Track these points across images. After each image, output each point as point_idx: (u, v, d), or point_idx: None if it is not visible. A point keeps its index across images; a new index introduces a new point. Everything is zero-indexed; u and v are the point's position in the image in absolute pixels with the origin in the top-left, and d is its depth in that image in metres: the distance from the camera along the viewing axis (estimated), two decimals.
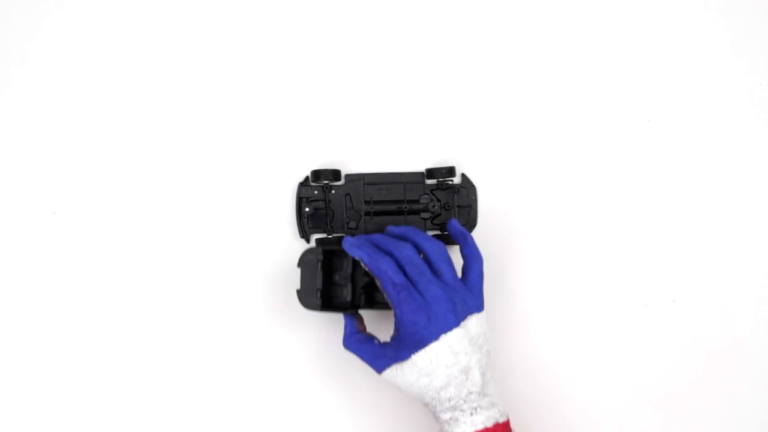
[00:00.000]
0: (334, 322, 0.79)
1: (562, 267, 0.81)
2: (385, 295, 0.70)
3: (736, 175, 0.82)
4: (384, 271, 0.69)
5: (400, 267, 0.70)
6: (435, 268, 0.71)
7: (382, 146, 0.81)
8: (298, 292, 0.75)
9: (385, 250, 0.71)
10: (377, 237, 0.73)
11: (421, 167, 0.81)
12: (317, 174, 0.79)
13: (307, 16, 0.82)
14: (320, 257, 0.73)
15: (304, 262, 0.75)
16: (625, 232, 0.82)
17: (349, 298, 0.74)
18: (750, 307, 0.81)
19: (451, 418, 0.68)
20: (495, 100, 0.82)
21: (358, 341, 0.72)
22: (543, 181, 0.82)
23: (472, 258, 0.73)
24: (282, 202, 0.81)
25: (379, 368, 0.70)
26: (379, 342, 0.72)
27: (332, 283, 0.75)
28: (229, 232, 0.80)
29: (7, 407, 0.79)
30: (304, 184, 0.80)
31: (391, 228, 0.74)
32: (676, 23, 0.83)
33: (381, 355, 0.70)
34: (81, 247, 0.80)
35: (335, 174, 0.79)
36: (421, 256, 0.72)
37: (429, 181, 0.80)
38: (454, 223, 0.75)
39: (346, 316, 0.74)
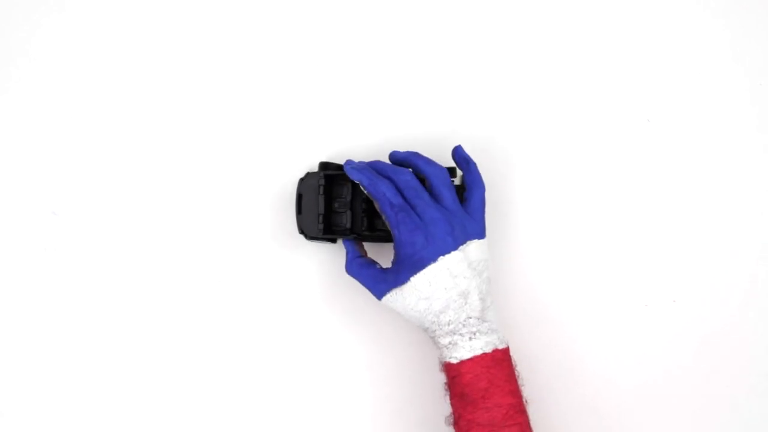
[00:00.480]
0: (335, 248, 0.80)
1: (562, 267, 0.81)
2: (384, 218, 0.70)
3: (736, 175, 0.82)
4: (382, 193, 0.70)
5: (399, 191, 0.70)
6: (435, 193, 0.71)
7: (382, 146, 0.81)
8: (299, 218, 0.74)
9: (384, 175, 0.71)
10: (378, 162, 0.73)
11: None
12: (326, 166, 0.79)
13: (307, 16, 0.82)
14: (322, 182, 0.74)
15: (305, 187, 0.75)
16: (625, 232, 0.82)
17: (349, 224, 0.74)
18: (750, 306, 0.81)
19: (450, 343, 0.69)
20: (495, 100, 0.82)
21: (359, 265, 0.73)
22: (543, 182, 0.82)
23: (474, 185, 0.73)
24: (281, 201, 0.81)
25: (380, 293, 0.71)
26: (381, 267, 0.72)
27: (331, 210, 0.75)
28: (229, 231, 0.80)
29: (7, 407, 0.79)
30: (303, 180, 0.80)
31: (394, 152, 0.74)
32: (676, 23, 0.83)
33: (381, 280, 0.71)
34: (81, 247, 0.80)
35: (340, 169, 0.79)
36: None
37: None
38: (459, 149, 0.75)
39: (346, 242, 0.75)
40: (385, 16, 0.83)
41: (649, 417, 0.80)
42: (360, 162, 0.73)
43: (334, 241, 0.79)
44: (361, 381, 0.80)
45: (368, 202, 0.74)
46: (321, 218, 0.74)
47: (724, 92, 0.83)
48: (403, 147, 0.81)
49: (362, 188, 0.72)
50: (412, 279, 0.69)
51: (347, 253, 0.75)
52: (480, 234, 0.71)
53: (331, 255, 0.80)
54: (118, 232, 0.80)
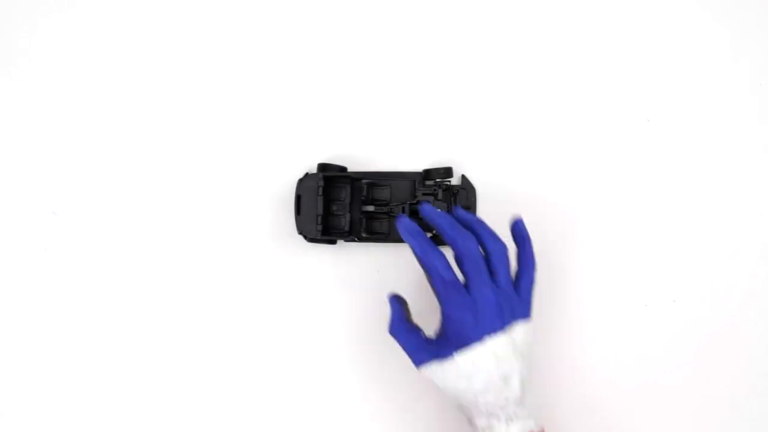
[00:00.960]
0: (335, 249, 0.80)
1: (562, 267, 0.81)
2: (431, 288, 0.68)
3: (736, 175, 0.82)
4: (434, 267, 0.67)
5: (458, 258, 0.68)
6: (492, 268, 0.69)
7: (382, 145, 0.81)
8: (298, 219, 0.74)
9: (448, 235, 0.68)
10: (442, 219, 0.69)
11: (419, 167, 0.81)
12: (324, 167, 0.79)
13: (307, 17, 0.82)
14: (321, 183, 0.73)
15: (303, 188, 0.74)
16: (625, 232, 0.82)
17: (347, 227, 0.74)
18: (750, 306, 0.81)
19: (487, 426, 0.67)
20: (495, 100, 0.82)
21: (405, 330, 0.71)
22: (543, 182, 0.82)
23: (527, 264, 0.71)
24: (281, 202, 0.81)
25: (419, 362, 0.69)
26: (425, 335, 0.70)
27: (330, 212, 0.75)
28: (228, 231, 0.80)
29: (7, 407, 0.79)
30: (302, 181, 0.80)
31: (459, 211, 0.72)
32: (676, 23, 0.83)
33: (423, 349, 0.69)
34: (81, 247, 0.80)
35: (341, 170, 0.79)
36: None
37: (428, 182, 0.80)
38: (519, 225, 0.72)
39: (392, 301, 0.73)
40: (385, 16, 0.83)
41: (650, 417, 0.80)
42: (414, 223, 0.69)
43: (333, 242, 0.79)
44: (361, 382, 0.80)
45: (367, 203, 0.74)
46: (320, 219, 0.74)
47: (724, 92, 0.83)
48: (403, 146, 0.81)
49: (412, 254, 0.69)
50: (455, 355, 0.67)
51: (393, 313, 0.72)
52: (526, 315, 0.70)
53: (331, 256, 0.80)
54: (118, 232, 0.80)
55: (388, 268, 0.80)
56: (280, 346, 0.80)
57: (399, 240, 0.77)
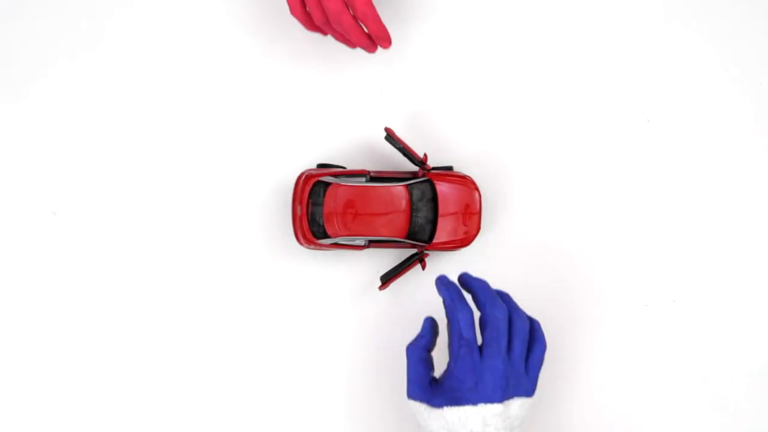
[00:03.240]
0: (334, 250, 0.79)
1: (563, 267, 0.81)
2: (448, 340, 0.68)
3: (736, 175, 0.82)
4: (457, 321, 0.68)
5: (482, 322, 0.69)
6: (510, 343, 0.70)
7: (382, 147, 0.82)
8: (311, 224, 0.76)
9: (480, 298, 0.70)
10: (477, 283, 0.71)
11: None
12: (324, 167, 0.79)
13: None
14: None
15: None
16: (625, 232, 0.82)
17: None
18: (750, 306, 0.81)
19: None
20: (496, 100, 0.82)
21: (419, 358, 0.71)
22: (543, 182, 0.82)
23: (537, 341, 0.71)
24: (280, 200, 0.81)
25: (411, 394, 0.70)
26: (432, 374, 0.71)
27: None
28: (227, 231, 0.81)
29: (7, 407, 0.79)
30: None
31: (488, 286, 0.72)
32: (675, 23, 0.83)
33: (421, 386, 0.70)
34: (81, 247, 0.80)
35: (341, 169, 0.79)
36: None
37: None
38: (531, 324, 0.73)
39: (426, 325, 0.73)
40: (384, 16, 0.83)
41: (650, 417, 0.80)
42: (452, 283, 0.71)
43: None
44: (359, 382, 0.80)
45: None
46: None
47: (724, 92, 0.83)
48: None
49: (443, 307, 0.69)
50: (444, 408, 0.67)
51: (420, 336, 0.72)
52: (529, 392, 0.70)
53: (331, 258, 0.80)
54: (118, 232, 0.80)
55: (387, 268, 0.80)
56: (277, 347, 0.80)
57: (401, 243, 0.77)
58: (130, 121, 0.81)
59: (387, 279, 0.77)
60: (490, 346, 0.68)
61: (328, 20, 0.73)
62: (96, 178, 0.81)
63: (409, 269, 0.77)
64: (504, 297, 0.73)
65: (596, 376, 0.80)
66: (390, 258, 0.80)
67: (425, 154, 0.76)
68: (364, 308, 0.80)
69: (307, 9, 0.74)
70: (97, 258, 0.80)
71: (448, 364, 0.69)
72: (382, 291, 0.79)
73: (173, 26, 0.82)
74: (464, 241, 0.78)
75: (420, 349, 0.71)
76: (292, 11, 0.75)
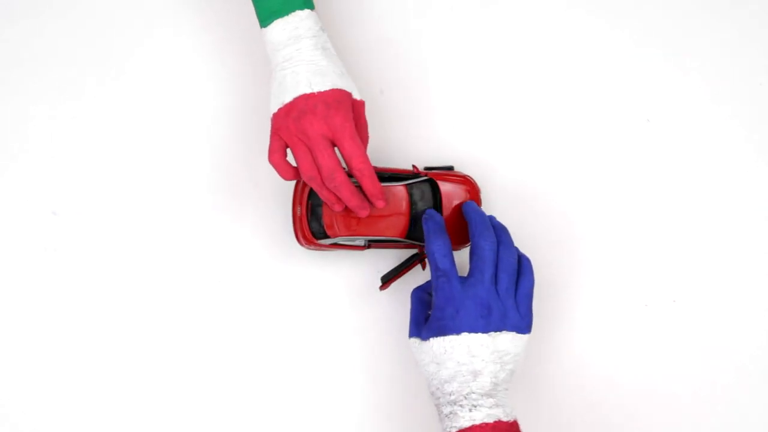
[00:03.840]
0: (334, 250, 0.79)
1: (563, 267, 0.81)
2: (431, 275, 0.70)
3: (735, 175, 0.82)
4: (432, 253, 0.69)
5: (470, 252, 0.70)
6: (498, 275, 0.69)
7: (382, 145, 0.81)
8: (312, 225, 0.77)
9: (472, 228, 0.70)
10: (475, 214, 0.72)
11: (420, 166, 0.81)
12: None
13: None
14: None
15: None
16: (625, 232, 0.82)
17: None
18: (750, 306, 0.81)
19: (450, 413, 0.68)
20: (496, 100, 0.82)
21: (419, 300, 0.73)
22: (543, 182, 0.82)
23: (523, 277, 0.71)
24: (280, 200, 0.81)
25: (410, 333, 0.72)
26: (428, 313, 0.72)
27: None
28: (227, 231, 0.80)
29: (7, 407, 0.79)
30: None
31: (492, 219, 0.73)
32: (675, 23, 0.83)
33: (418, 324, 0.71)
34: (81, 247, 0.80)
35: None
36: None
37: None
38: (523, 259, 0.73)
39: (441, 271, 0.71)
40: (384, 16, 0.83)
41: (650, 417, 0.80)
42: (440, 216, 0.72)
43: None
44: (359, 383, 0.80)
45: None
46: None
47: (724, 92, 0.83)
48: (403, 146, 0.81)
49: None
50: (431, 340, 0.68)
51: (428, 282, 0.74)
52: (521, 328, 0.69)
53: (331, 258, 0.80)
54: (118, 232, 0.80)
55: (388, 268, 0.80)
56: (280, 347, 0.80)
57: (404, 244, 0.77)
58: (130, 122, 0.81)
59: (387, 279, 0.77)
60: (473, 275, 0.69)
61: (321, 176, 0.70)
62: (96, 179, 0.81)
63: (409, 269, 0.77)
64: (498, 231, 0.72)
65: (596, 376, 0.80)
66: (390, 258, 0.80)
67: (414, 166, 0.76)
68: (365, 309, 0.80)
69: (293, 159, 0.70)
70: (98, 258, 0.80)
71: (433, 298, 0.70)
72: (383, 291, 0.79)
73: (174, 27, 0.82)
74: (464, 241, 0.78)
75: (422, 291, 0.73)
76: (270, 158, 0.71)
